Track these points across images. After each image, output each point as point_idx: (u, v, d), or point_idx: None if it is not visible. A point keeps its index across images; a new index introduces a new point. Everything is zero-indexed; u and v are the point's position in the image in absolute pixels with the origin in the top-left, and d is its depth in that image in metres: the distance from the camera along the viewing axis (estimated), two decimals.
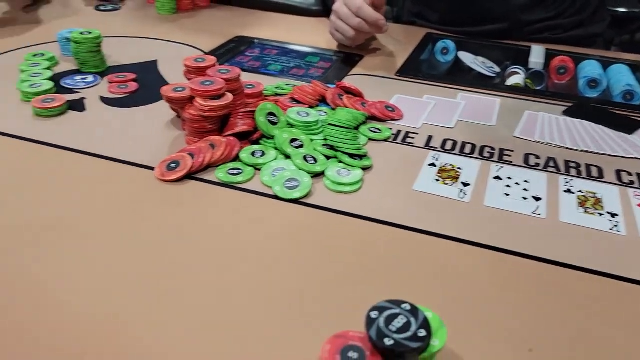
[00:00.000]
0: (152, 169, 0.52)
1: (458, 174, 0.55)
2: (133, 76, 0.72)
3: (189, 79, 0.59)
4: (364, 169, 0.55)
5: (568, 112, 0.69)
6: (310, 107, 0.64)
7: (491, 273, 0.42)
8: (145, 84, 0.71)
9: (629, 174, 0.56)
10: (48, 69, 0.72)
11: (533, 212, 0.50)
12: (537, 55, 0.86)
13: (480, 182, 0.54)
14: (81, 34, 0.72)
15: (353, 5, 0.79)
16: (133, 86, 0.70)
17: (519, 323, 0.38)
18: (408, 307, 0.32)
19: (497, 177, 0.55)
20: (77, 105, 0.65)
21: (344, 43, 0.86)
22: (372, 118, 0.65)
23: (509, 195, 0.52)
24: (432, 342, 0.31)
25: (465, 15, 0.97)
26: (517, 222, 0.48)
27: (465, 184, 0.53)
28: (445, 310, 0.36)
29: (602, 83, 0.81)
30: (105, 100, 0.67)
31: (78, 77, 0.71)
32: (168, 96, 0.56)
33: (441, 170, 0.56)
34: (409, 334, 0.30)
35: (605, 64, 0.86)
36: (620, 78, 0.80)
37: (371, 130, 0.62)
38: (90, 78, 0.71)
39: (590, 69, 0.84)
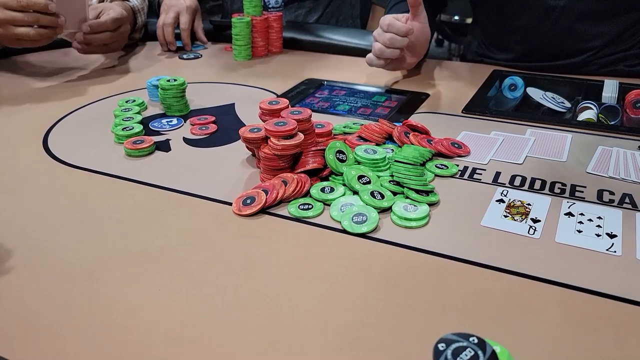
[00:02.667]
0: (229, 204, 0.56)
1: (528, 210, 0.55)
2: (213, 118, 0.78)
3: (263, 121, 0.63)
4: (431, 204, 0.56)
5: None
6: (377, 144, 0.66)
7: (562, 310, 0.42)
8: (223, 125, 0.76)
9: None
10: (138, 113, 0.80)
11: (607, 250, 0.48)
12: (609, 89, 0.84)
13: (551, 218, 0.53)
14: (167, 81, 0.79)
15: (383, 24, 0.83)
16: (213, 128, 0.75)
17: None
18: (475, 340, 0.33)
19: (569, 214, 0.54)
20: (163, 146, 0.71)
21: (382, 66, 0.87)
22: (439, 155, 0.66)
23: (581, 231, 0.51)
24: None
25: (538, 54, 0.97)
26: (591, 259, 0.47)
27: (535, 220, 0.53)
28: (514, 346, 0.36)
29: None
30: (187, 141, 0.72)
31: (164, 120, 0.78)
32: (245, 137, 0.60)
33: (509, 206, 0.55)
34: None
35: None
36: None
37: (437, 167, 0.63)
38: (174, 121, 0.78)
39: None
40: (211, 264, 0.48)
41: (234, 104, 0.85)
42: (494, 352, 0.31)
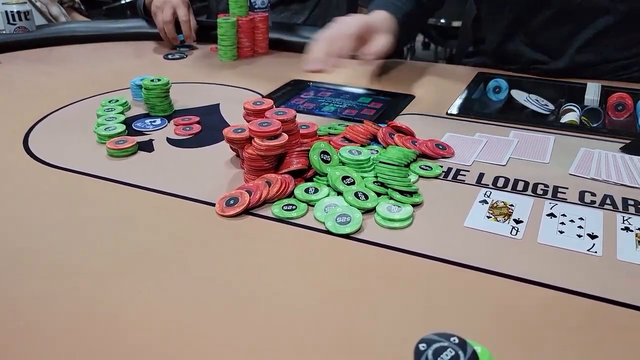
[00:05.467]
0: (213, 204, 0.56)
1: (510, 210, 0.55)
2: (197, 119, 0.77)
3: (248, 121, 0.62)
4: (415, 205, 0.56)
5: (625, 149, 0.67)
6: (362, 145, 0.66)
7: (543, 310, 0.42)
8: (208, 125, 0.76)
9: None
10: (121, 113, 0.79)
11: (588, 250, 0.49)
12: (592, 92, 0.85)
13: (533, 219, 0.54)
14: (151, 81, 0.79)
15: None
16: (197, 128, 0.75)
17: None
18: (457, 340, 0.33)
19: (551, 214, 0.54)
20: (146, 146, 0.70)
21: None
22: (423, 156, 0.66)
23: (563, 232, 0.51)
24: None
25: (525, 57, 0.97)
26: (572, 259, 0.48)
27: (518, 221, 0.53)
28: (495, 345, 0.36)
29: None
30: (171, 142, 0.72)
31: (147, 121, 0.78)
32: (229, 137, 0.60)
33: (492, 207, 0.56)
34: None
35: None
36: None
37: (422, 168, 0.63)
38: (158, 121, 0.77)
39: None
40: (193, 266, 0.47)
41: (218, 104, 0.85)
42: (474, 352, 0.31)
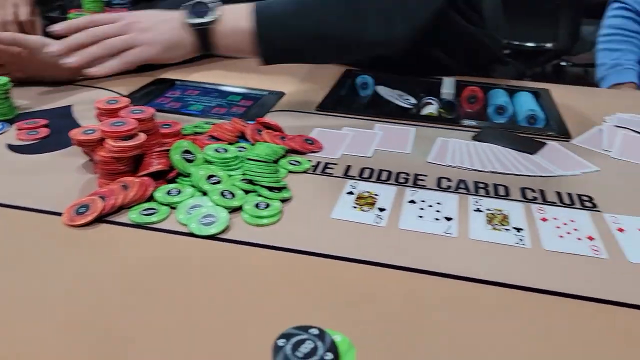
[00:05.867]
0: (60, 214, 0.50)
1: (375, 200, 0.57)
2: (44, 122, 0.70)
3: (101, 122, 0.57)
4: (284, 200, 0.55)
5: (477, 137, 0.73)
6: (230, 143, 0.64)
7: (406, 293, 0.43)
8: (57, 129, 0.69)
9: (533, 190, 0.60)
10: None
11: (445, 232, 0.52)
12: (448, 86, 0.91)
13: (395, 206, 0.56)
14: None
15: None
16: (44, 132, 0.67)
17: (433, 342, 0.39)
18: (316, 331, 0.32)
19: (412, 201, 0.57)
20: None
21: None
22: (293, 151, 0.66)
23: (422, 217, 0.54)
24: None
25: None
26: (431, 242, 0.50)
27: (382, 209, 0.55)
28: (357, 333, 0.36)
29: (509, 109, 0.86)
30: (12, 148, 0.64)
31: None
32: (77, 139, 0.54)
33: (359, 198, 0.57)
34: (315, 357, 0.30)
35: (511, 92, 0.93)
36: (524, 104, 0.86)
37: (290, 163, 0.62)
38: None
39: (498, 97, 0.90)
40: (37, 283, 0.42)
41: (70, 106, 0.77)
42: (333, 341, 0.31)
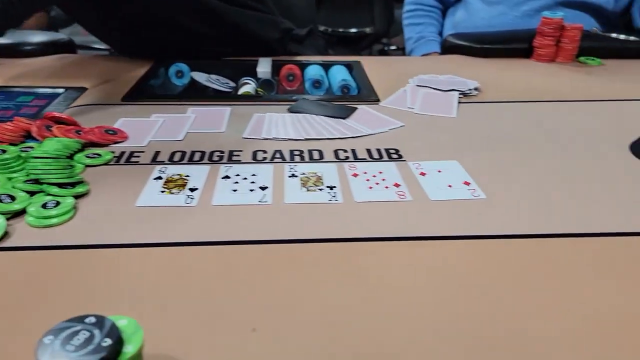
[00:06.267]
0: None
1: (185, 181, 0.53)
2: None
3: None
4: (79, 196, 0.49)
5: (291, 109, 0.73)
6: (14, 144, 0.56)
7: (217, 266, 0.41)
8: None
9: (345, 151, 0.61)
10: None
11: (260, 201, 0.50)
12: (263, 65, 0.90)
13: (209, 185, 0.53)
14: None
15: None
16: None
17: (243, 304, 0.37)
18: (93, 319, 0.28)
19: (226, 177, 0.54)
20: None
21: None
22: (93, 144, 0.59)
23: (236, 190, 0.52)
24: (124, 348, 0.27)
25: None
26: (246, 213, 0.48)
27: (193, 189, 0.52)
28: (148, 316, 0.33)
29: (325, 82, 0.88)
30: None
31: None
32: None
33: (167, 182, 0.53)
34: (91, 347, 0.26)
35: (327, 66, 0.95)
36: (338, 76, 0.89)
37: (88, 157, 0.56)
38: None
39: (313, 72, 0.91)
40: None
41: None
42: (113, 325, 0.27)
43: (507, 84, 0.87)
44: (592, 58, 1.02)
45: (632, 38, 1.07)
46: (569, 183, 0.54)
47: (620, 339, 0.34)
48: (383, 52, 3.22)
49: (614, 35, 1.09)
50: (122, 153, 0.59)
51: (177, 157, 0.58)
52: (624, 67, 0.99)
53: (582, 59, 1.02)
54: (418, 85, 0.82)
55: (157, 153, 0.59)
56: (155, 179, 0.53)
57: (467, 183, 0.54)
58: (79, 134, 0.59)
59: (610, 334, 0.35)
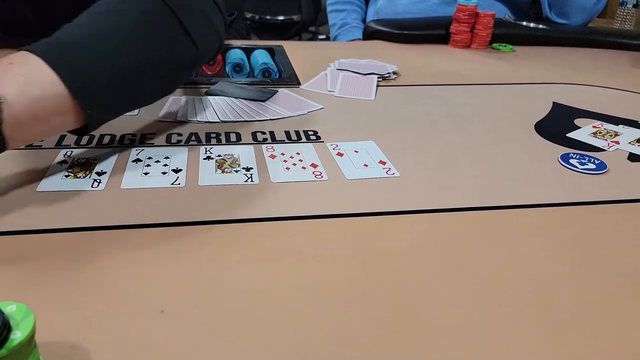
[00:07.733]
0: None
1: (93, 165, 0.51)
2: None
3: None
4: None
5: (209, 92, 0.71)
6: None
7: (124, 250, 0.39)
8: None
9: (263, 133, 0.61)
10: None
11: (172, 183, 0.49)
12: None
13: (118, 168, 0.50)
14: None
15: None
16: None
17: (152, 288, 0.35)
18: None
19: (137, 160, 0.52)
20: None
21: None
22: None
23: (148, 173, 0.50)
24: (12, 335, 0.26)
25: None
26: (157, 195, 0.47)
27: (101, 173, 0.49)
28: (62, 297, 0.31)
29: (246, 66, 0.87)
30: None
31: None
32: None
33: (73, 166, 0.50)
34: None
35: (249, 50, 0.94)
36: (260, 59, 0.88)
37: None
38: None
39: (235, 55, 0.90)
40: None
41: None
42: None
43: (424, 68, 0.90)
44: (504, 44, 1.07)
45: (541, 26, 1.14)
46: (478, 160, 0.57)
47: (502, 299, 0.36)
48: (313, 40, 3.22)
49: (524, 23, 1.16)
50: None
51: (84, 141, 0.55)
52: (533, 53, 1.04)
53: (495, 45, 1.07)
54: (338, 69, 0.83)
55: (62, 137, 0.56)
56: (59, 163, 0.50)
57: (382, 162, 0.55)
58: None
59: (497, 296, 0.37)
